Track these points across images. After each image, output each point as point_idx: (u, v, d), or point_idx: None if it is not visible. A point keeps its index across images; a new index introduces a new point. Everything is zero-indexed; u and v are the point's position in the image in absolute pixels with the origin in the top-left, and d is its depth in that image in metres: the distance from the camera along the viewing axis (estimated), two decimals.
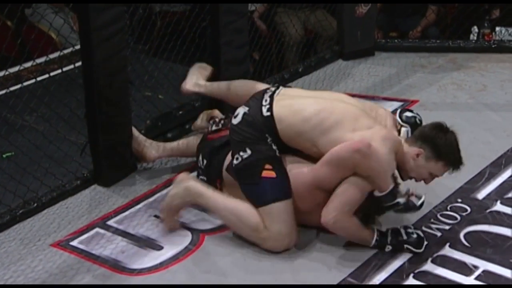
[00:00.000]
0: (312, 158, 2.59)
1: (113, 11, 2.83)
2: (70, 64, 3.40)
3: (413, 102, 3.67)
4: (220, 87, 3.08)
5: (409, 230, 2.55)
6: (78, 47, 3.01)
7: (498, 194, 2.88)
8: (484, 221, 2.72)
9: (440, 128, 2.58)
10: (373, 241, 2.53)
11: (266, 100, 2.62)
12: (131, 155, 3.07)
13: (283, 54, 4.61)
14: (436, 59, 4.15)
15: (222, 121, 2.92)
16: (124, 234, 2.69)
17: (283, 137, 2.58)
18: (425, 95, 3.75)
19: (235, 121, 2.63)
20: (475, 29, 4.48)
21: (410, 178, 2.60)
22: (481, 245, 2.58)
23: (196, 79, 3.12)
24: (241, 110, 2.64)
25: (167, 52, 3.78)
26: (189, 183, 2.65)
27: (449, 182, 2.91)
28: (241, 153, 2.57)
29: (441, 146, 2.53)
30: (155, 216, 2.78)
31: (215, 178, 2.74)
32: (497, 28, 4.45)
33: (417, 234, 2.54)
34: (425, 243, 2.53)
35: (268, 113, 2.59)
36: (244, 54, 3.49)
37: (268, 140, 2.57)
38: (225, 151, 2.71)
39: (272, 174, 2.54)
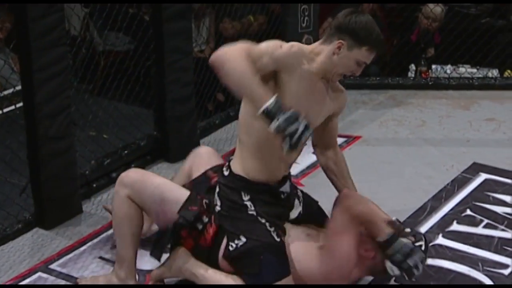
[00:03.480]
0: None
1: (56, 51, 2.80)
2: (11, 105, 3.34)
3: (356, 138, 3.72)
4: None
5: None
6: (19, 87, 2.96)
7: (440, 227, 2.92)
8: (428, 255, 2.74)
9: (352, 13, 2.38)
10: (270, 102, 2.15)
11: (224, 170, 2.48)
12: (75, 197, 3.00)
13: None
14: (376, 95, 4.23)
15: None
16: (68, 277, 2.61)
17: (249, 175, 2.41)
18: (368, 131, 3.81)
19: (217, 207, 2.42)
20: (412, 67, 4.59)
21: (341, 75, 2.43)
22: (426, 279, 2.60)
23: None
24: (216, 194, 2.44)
25: (112, 91, 3.75)
26: (183, 263, 2.44)
27: (392, 216, 2.94)
28: (236, 241, 2.36)
29: (359, 30, 2.34)
30: (100, 257, 2.71)
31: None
32: (433, 66, 4.57)
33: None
34: None
35: (227, 171, 2.44)
36: (190, 92, 3.49)
37: (249, 205, 2.39)
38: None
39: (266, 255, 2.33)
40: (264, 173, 2.42)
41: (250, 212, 2.39)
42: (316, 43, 2.47)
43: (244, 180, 2.41)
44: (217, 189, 2.44)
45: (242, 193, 2.40)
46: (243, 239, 2.35)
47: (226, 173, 2.46)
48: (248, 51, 2.22)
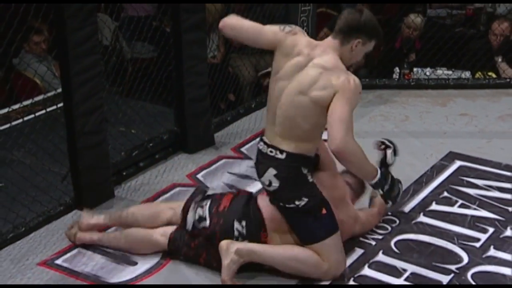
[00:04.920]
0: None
1: (90, 58, 2.80)
2: (53, 105, 3.34)
3: None
4: (121, 215, 2.64)
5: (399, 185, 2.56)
6: (59, 90, 2.96)
7: (421, 207, 2.92)
8: (411, 231, 2.75)
9: (358, 12, 2.35)
10: (378, 177, 2.38)
11: (272, 151, 2.37)
12: (108, 183, 3.00)
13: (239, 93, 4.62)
14: (366, 95, 4.19)
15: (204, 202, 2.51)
16: (103, 252, 2.62)
17: (305, 152, 2.36)
18: (358, 125, 3.70)
19: (272, 187, 2.37)
20: (397, 69, 4.57)
21: (351, 65, 2.48)
22: (409, 251, 2.61)
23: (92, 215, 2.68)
24: (268, 176, 2.36)
25: (138, 93, 3.75)
26: (236, 246, 2.35)
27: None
28: (297, 202, 2.35)
29: (371, 27, 2.35)
30: None
31: (258, 232, 2.42)
32: (415, 69, 4.54)
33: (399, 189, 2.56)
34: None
35: (283, 155, 2.35)
36: (205, 93, 3.48)
37: (308, 176, 2.37)
38: (252, 205, 2.45)
39: (324, 212, 2.37)
40: (314, 150, 2.43)
41: (310, 181, 2.40)
42: (334, 45, 2.36)
43: (302, 156, 2.37)
44: (274, 171, 2.36)
45: (302, 168, 2.37)
46: (305, 199, 2.35)
47: (282, 156, 2.37)
48: (350, 125, 2.28)
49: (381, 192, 2.48)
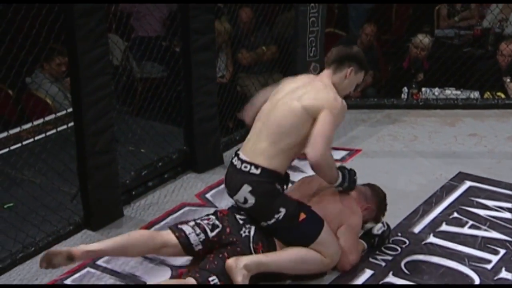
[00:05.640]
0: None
1: (101, 79, 2.82)
2: (63, 124, 3.36)
3: (357, 151, 3.70)
4: (113, 243, 2.49)
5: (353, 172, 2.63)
6: (70, 110, 2.98)
7: (431, 228, 2.90)
8: (421, 252, 2.73)
9: (349, 44, 2.60)
10: (339, 180, 2.54)
11: (246, 166, 2.43)
12: (118, 203, 3.01)
13: None
14: (374, 114, 4.21)
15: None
16: (112, 272, 2.62)
17: (278, 169, 2.43)
18: (367, 145, 3.79)
19: (248, 204, 2.42)
20: (405, 89, 4.57)
21: (343, 96, 2.54)
22: (419, 273, 2.58)
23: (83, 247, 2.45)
24: (243, 194, 2.41)
25: (148, 112, 3.77)
26: (243, 262, 2.37)
27: (389, 219, 2.92)
28: (276, 216, 2.41)
29: (361, 58, 2.54)
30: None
31: (252, 246, 2.44)
32: (423, 89, 4.54)
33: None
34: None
35: (259, 170, 2.41)
36: (214, 112, 3.49)
37: (278, 188, 2.44)
38: (244, 221, 2.47)
39: (304, 216, 2.44)
40: (286, 167, 2.50)
41: (281, 192, 2.48)
42: (328, 74, 2.54)
43: (276, 173, 2.44)
44: (249, 188, 2.41)
45: (276, 184, 2.44)
46: (283, 210, 2.41)
47: (257, 171, 2.42)
48: (330, 140, 2.44)
49: (341, 188, 2.58)
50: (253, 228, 2.46)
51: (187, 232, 2.43)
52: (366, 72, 2.58)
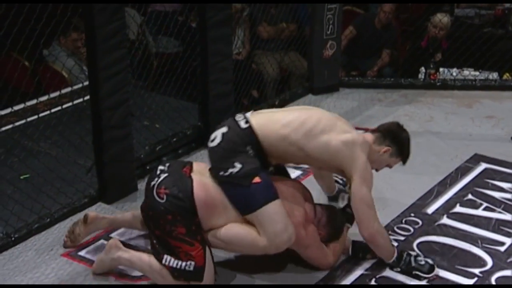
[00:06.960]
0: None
1: (118, 53, 2.81)
2: (79, 98, 3.37)
3: (373, 130, 3.66)
4: (124, 216, 2.65)
5: (419, 258, 2.47)
6: (86, 83, 2.99)
7: (445, 209, 2.88)
8: (433, 233, 2.72)
9: (401, 129, 2.57)
10: (393, 258, 2.45)
11: (240, 117, 2.39)
12: (132, 176, 3.03)
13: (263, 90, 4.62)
14: (391, 94, 4.18)
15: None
16: (126, 245, 2.62)
17: (264, 144, 2.33)
18: None
19: (214, 143, 2.35)
20: (422, 69, 4.52)
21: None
22: (431, 253, 2.58)
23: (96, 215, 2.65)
24: (218, 133, 2.36)
25: (163, 88, 3.77)
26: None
27: (403, 199, 2.92)
28: (230, 170, 2.28)
29: (405, 146, 2.53)
30: None
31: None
32: (441, 69, 4.49)
33: (427, 262, 2.46)
34: (435, 269, 2.46)
35: (247, 125, 2.34)
36: (229, 89, 3.48)
37: (250, 153, 2.31)
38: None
39: (258, 180, 2.27)
40: (271, 157, 2.40)
41: (250, 155, 2.32)
42: (371, 139, 2.51)
43: (260, 148, 2.34)
44: (225, 130, 2.35)
45: (248, 147, 2.32)
46: (238, 165, 2.28)
47: (245, 125, 2.35)
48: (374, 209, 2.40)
49: (398, 269, 2.46)
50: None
51: None
52: (403, 161, 2.54)
